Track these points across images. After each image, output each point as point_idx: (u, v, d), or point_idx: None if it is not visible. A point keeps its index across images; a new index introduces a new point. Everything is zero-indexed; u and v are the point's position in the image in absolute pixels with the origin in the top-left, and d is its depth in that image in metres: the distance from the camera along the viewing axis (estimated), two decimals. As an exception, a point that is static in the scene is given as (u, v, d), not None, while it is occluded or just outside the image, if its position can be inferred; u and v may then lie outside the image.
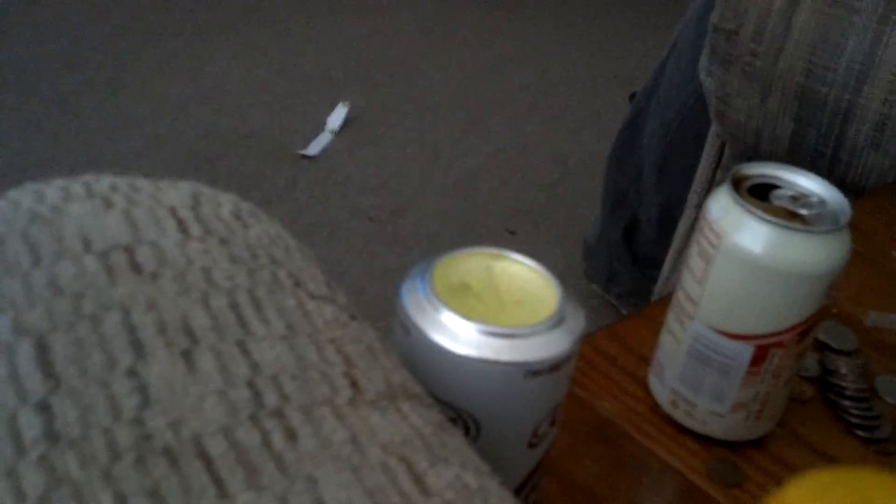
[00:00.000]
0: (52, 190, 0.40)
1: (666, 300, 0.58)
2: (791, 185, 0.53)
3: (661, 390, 0.57)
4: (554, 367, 0.41)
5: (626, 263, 1.56)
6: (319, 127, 2.15)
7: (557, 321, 0.42)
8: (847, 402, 0.58)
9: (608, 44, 2.76)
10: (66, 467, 0.29)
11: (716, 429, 0.56)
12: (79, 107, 2.14)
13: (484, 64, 2.58)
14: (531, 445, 0.44)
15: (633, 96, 1.61)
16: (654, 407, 0.58)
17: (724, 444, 0.56)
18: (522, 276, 0.45)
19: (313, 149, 2.07)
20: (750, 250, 0.50)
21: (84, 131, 2.05)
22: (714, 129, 1.12)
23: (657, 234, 1.43)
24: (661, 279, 1.26)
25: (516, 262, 0.45)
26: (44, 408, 0.30)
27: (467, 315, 0.41)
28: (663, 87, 1.40)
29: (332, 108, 2.21)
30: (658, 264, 1.28)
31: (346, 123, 2.18)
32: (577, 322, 0.43)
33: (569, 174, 2.11)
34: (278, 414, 0.32)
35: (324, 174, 2.00)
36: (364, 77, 2.43)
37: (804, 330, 0.52)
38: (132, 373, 0.32)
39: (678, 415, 0.57)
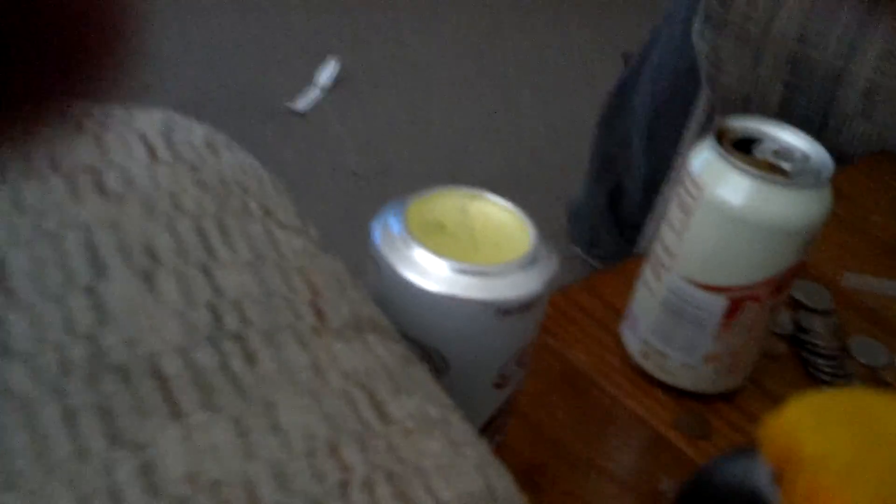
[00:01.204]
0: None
1: (642, 256, 0.58)
2: (774, 139, 0.53)
3: (634, 342, 0.57)
4: (524, 307, 0.41)
5: (609, 227, 1.56)
6: (308, 83, 2.13)
7: (530, 261, 0.41)
8: (819, 360, 0.58)
9: (601, 9, 2.74)
10: (15, 380, 0.28)
11: (686, 381, 0.56)
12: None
13: (477, 28, 2.55)
14: (497, 386, 0.44)
15: (626, 56, 1.60)
16: (626, 359, 0.58)
17: (694, 396, 0.56)
18: (497, 216, 0.44)
19: (302, 104, 2.05)
20: (730, 202, 0.50)
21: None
22: (704, 95, 1.11)
23: (642, 200, 1.42)
24: (642, 242, 1.26)
25: (492, 202, 0.45)
26: None
27: (439, 252, 0.41)
28: (656, 53, 1.39)
29: (321, 64, 2.19)
30: (641, 229, 1.28)
31: (336, 81, 2.16)
32: (550, 264, 0.42)
33: (558, 139, 2.10)
34: (238, 337, 0.31)
35: (311, 130, 1.99)
36: (355, 35, 2.40)
37: (779, 285, 0.52)
38: (90, 290, 0.31)
39: (649, 366, 0.56)
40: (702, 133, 1.13)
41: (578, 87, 2.32)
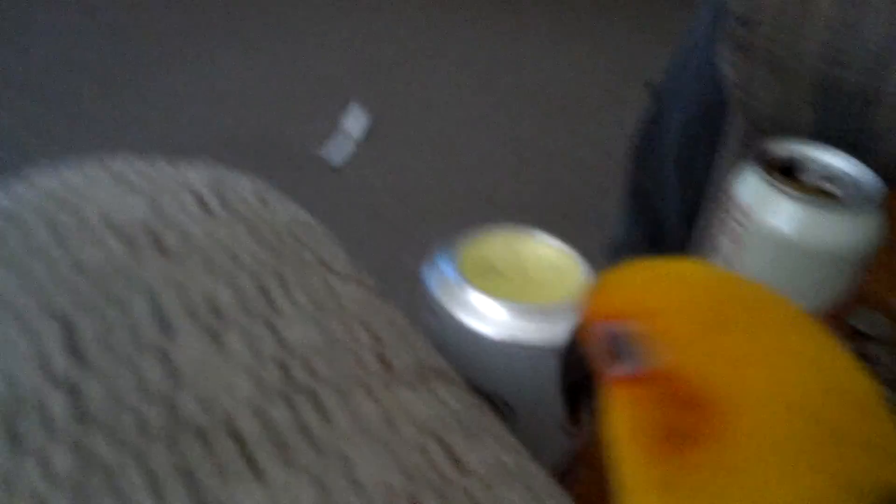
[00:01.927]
0: (70, 172, 0.39)
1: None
2: (819, 162, 0.53)
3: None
4: None
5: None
6: (331, 128, 2.14)
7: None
8: (884, 389, 0.57)
9: (619, 38, 2.75)
10: (96, 448, 0.28)
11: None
12: (84, 108, 2.14)
13: (499, 63, 2.57)
14: (567, 432, 0.43)
15: (649, 85, 1.60)
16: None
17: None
18: (548, 255, 0.44)
19: (337, 157, 2.05)
20: (781, 229, 0.49)
21: (89, 134, 2.04)
22: (735, 121, 1.11)
23: (682, 232, 1.41)
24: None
25: (541, 241, 0.44)
26: (72, 389, 0.30)
27: (496, 296, 0.40)
28: (683, 83, 1.39)
29: (341, 109, 2.20)
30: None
31: (367, 130, 2.17)
32: None
33: (585, 171, 2.10)
34: (309, 391, 0.31)
35: (336, 176, 2.00)
36: (373, 76, 2.42)
37: (836, 313, 0.51)
38: (160, 351, 0.31)
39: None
40: (736, 160, 1.13)
41: (604, 115, 2.32)
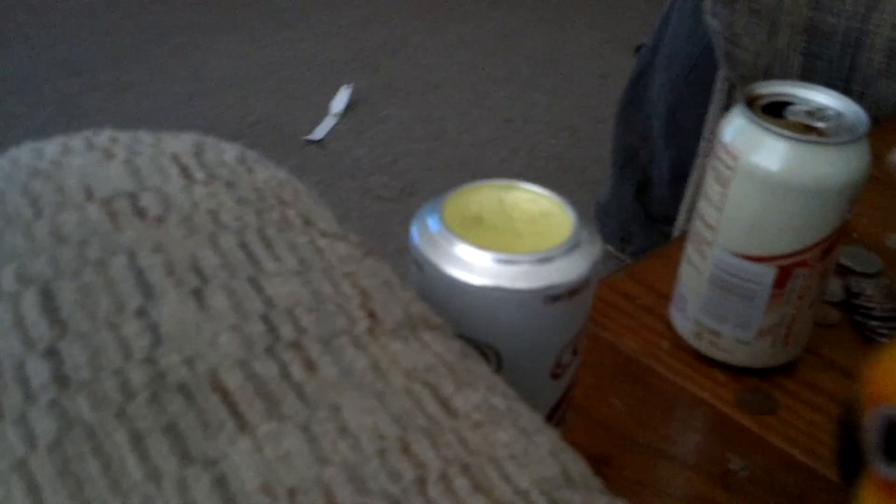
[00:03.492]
0: (51, 146, 0.39)
1: (681, 240, 0.57)
2: (805, 100, 0.52)
3: (684, 323, 0.56)
4: (573, 291, 0.40)
5: (640, 221, 1.55)
6: (324, 112, 2.14)
7: (574, 245, 0.41)
8: (875, 323, 0.57)
9: (610, 7, 2.74)
10: (77, 410, 0.28)
11: (743, 357, 0.55)
12: (83, 108, 2.14)
13: (485, 38, 2.56)
14: (554, 376, 0.43)
15: (639, 48, 1.59)
16: (678, 342, 0.57)
17: (753, 372, 0.55)
18: (535, 203, 0.44)
19: (318, 133, 2.06)
20: (768, 168, 0.49)
21: (81, 124, 2.04)
22: (722, 73, 1.10)
23: (670, 190, 1.41)
24: (675, 231, 1.24)
25: (527, 191, 0.44)
26: (51, 353, 0.29)
27: (481, 245, 0.40)
28: (668, 40, 1.38)
29: (335, 92, 2.20)
30: (672, 220, 1.26)
31: (351, 106, 2.17)
32: (594, 246, 0.42)
33: (577, 140, 2.09)
34: (296, 346, 0.31)
35: (331, 157, 1.99)
36: (366, 59, 2.42)
37: (827, 247, 0.51)
38: (142, 313, 0.31)
39: (703, 346, 0.56)
40: (724, 114, 1.12)
41: (593, 85, 2.32)
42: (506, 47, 2.52)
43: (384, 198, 1.86)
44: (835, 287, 0.61)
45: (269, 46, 2.46)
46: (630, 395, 0.55)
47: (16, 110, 2.11)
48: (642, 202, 1.54)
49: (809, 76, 0.95)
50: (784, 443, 0.51)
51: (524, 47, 2.52)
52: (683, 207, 1.21)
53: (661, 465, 0.51)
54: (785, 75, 0.96)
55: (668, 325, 0.58)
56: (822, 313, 0.58)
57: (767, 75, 0.98)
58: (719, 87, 1.13)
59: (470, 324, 0.40)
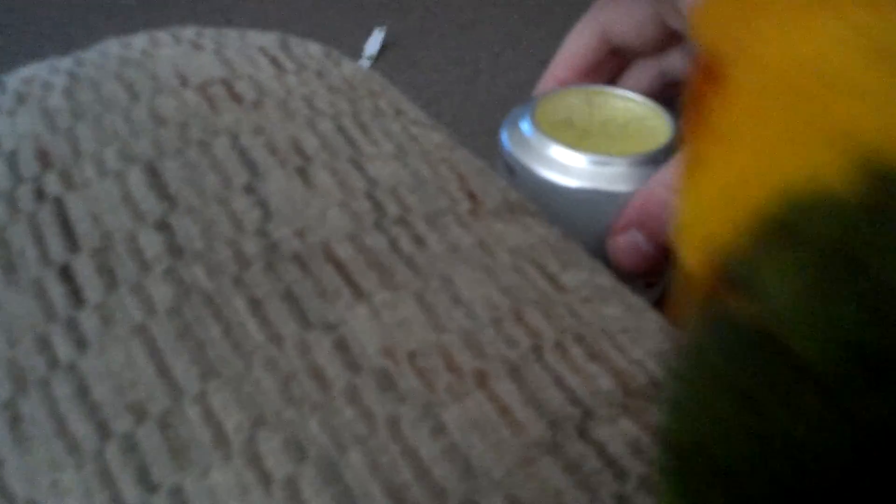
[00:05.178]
0: (138, 39, 0.39)
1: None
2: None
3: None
4: None
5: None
6: (358, 55, 2.12)
7: (671, 149, 0.40)
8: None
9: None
10: (194, 278, 0.28)
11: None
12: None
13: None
14: (648, 284, 0.43)
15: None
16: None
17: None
18: (630, 108, 0.43)
19: (354, 75, 2.04)
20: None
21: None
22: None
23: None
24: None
25: (619, 96, 0.43)
26: (163, 226, 0.29)
27: (576, 147, 0.40)
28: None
29: (368, 35, 2.18)
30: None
31: (384, 49, 2.15)
32: None
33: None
34: (402, 222, 0.31)
35: (366, 99, 1.98)
36: (398, 1, 2.39)
37: None
38: (250, 189, 0.31)
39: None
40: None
41: None
42: (540, -11, 2.49)
43: (421, 139, 1.86)
44: None
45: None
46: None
47: (40, 49, 2.11)
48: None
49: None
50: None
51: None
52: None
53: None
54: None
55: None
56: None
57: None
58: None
59: (563, 226, 0.40)
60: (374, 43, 2.15)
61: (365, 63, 2.10)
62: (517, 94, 2.02)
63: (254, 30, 0.41)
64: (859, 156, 0.18)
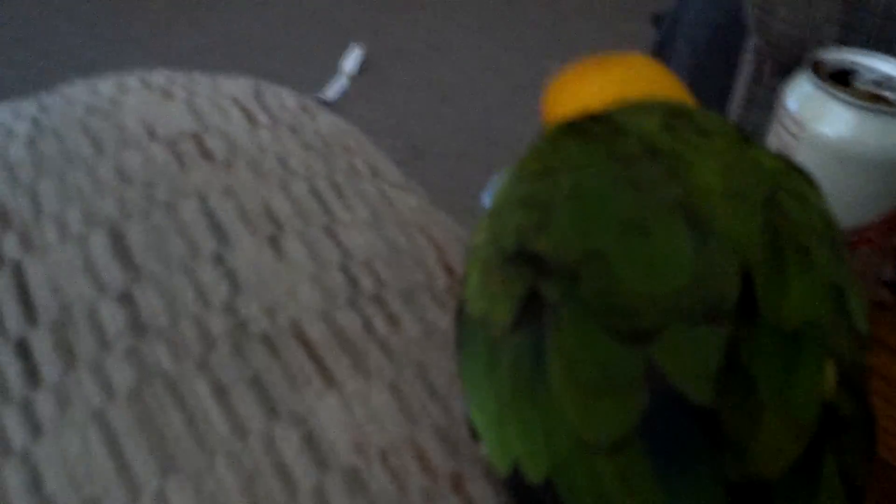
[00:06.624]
0: (105, 83, 0.37)
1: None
2: (873, 69, 0.50)
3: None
4: None
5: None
6: (331, 71, 2.11)
7: None
8: (931, 301, 0.56)
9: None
10: (156, 359, 0.26)
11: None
12: (83, 61, 2.10)
13: (495, 1, 2.53)
14: None
15: (656, 18, 1.56)
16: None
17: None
18: None
19: (331, 94, 2.03)
20: (834, 137, 0.47)
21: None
22: (752, 44, 1.08)
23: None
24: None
25: None
26: (126, 298, 0.28)
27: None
28: (691, 10, 1.36)
29: (343, 51, 2.17)
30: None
31: (362, 68, 2.14)
32: None
33: (587, 109, 2.07)
34: (377, 299, 0.29)
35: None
36: (376, 20, 2.38)
37: (892, 224, 0.49)
38: (218, 259, 0.29)
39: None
40: (752, 85, 1.10)
41: (610, 50, 2.29)
42: (514, 12, 2.49)
43: (393, 160, 1.84)
44: (886, 266, 0.59)
45: (275, 3, 2.43)
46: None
47: (18, 60, 2.08)
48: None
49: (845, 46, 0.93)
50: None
51: (536, 13, 2.49)
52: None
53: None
54: (820, 45, 0.95)
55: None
56: (877, 294, 0.57)
57: (802, 46, 0.96)
58: (747, 58, 1.11)
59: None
60: (352, 61, 2.14)
61: (343, 81, 2.08)
62: (488, 116, 2.01)
63: (225, 75, 0.40)
64: None
